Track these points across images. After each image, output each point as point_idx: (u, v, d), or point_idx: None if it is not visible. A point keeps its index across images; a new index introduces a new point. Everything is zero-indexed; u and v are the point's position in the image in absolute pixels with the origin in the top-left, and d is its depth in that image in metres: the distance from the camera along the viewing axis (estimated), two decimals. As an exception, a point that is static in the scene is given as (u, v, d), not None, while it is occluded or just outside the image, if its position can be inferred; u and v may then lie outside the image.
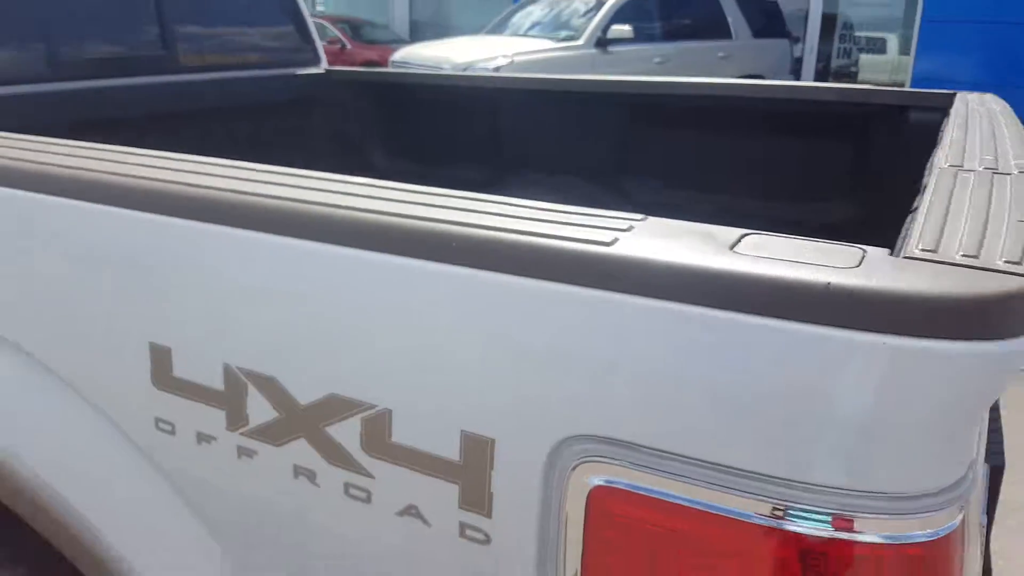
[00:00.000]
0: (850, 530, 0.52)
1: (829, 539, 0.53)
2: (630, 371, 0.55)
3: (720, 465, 0.54)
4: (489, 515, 0.63)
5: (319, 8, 17.79)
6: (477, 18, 14.87)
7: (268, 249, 0.69)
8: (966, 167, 0.83)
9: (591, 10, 7.75)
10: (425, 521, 0.66)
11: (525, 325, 0.58)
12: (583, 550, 0.60)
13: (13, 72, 1.89)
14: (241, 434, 0.75)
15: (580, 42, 7.46)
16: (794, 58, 11.07)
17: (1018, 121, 1.30)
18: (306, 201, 0.69)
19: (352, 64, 10.62)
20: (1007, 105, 1.55)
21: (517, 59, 6.88)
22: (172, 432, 0.80)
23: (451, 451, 0.63)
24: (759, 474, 0.53)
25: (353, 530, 0.71)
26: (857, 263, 0.52)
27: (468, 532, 0.64)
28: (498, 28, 8.57)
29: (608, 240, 0.57)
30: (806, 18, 12.79)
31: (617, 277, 0.55)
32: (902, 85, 12.12)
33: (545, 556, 0.62)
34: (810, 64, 12.84)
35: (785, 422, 0.52)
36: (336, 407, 0.68)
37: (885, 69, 12.55)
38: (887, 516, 0.52)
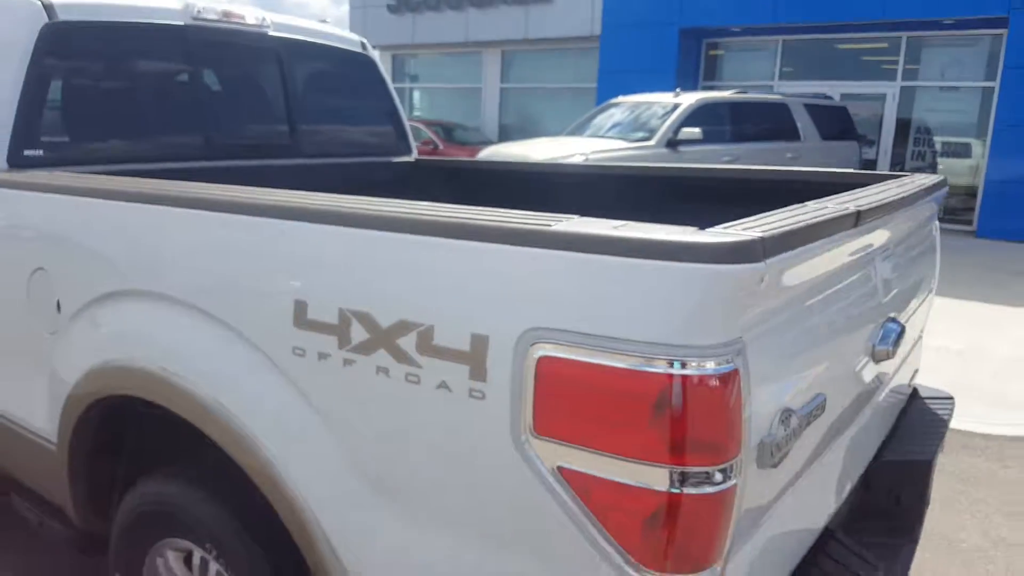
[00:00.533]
0: (685, 367, 0.96)
1: (679, 374, 0.96)
2: (556, 293, 1.02)
3: (610, 337, 0.99)
4: (485, 381, 1.09)
5: (416, 112, 19.28)
6: (562, 122, 15.89)
7: (371, 242, 1.21)
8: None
9: (667, 113, 8.40)
10: (450, 389, 1.13)
11: (504, 277, 1.07)
12: (534, 397, 1.05)
13: (184, 152, 2.55)
14: (346, 351, 1.25)
15: (652, 142, 8.09)
16: (863, 159, 11.36)
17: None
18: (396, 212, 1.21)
19: (443, 162, 11.60)
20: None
21: (592, 156, 7.52)
22: (303, 355, 1.31)
23: (464, 345, 1.11)
24: (634, 341, 0.98)
25: (411, 401, 1.18)
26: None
27: (474, 394, 1.11)
28: (578, 130, 9.33)
29: (548, 224, 1.06)
30: (881, 122, 13.15)
31: (550, 242, 1.03)
32: (975, 186, 12.19)
33: (515, 404, 1.07)
34: (884, 165, 13.08)
35: (652, 310, 0.97)
36: (403, 327, 1.17)
37: (963, 171, 12.64)
38: (702, 358, 0.96)
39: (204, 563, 1.62)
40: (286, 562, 1.44)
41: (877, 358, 1.58)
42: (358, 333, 1.22)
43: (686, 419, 0.97)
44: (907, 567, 1.80)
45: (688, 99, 8.67)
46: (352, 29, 19.17)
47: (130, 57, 2.42)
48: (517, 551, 1.12)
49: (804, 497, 1.37)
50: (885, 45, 12.86)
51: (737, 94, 9.42)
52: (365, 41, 3.26)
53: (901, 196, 1.59)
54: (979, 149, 12.35)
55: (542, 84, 17.09)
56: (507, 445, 1.09)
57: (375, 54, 3.31)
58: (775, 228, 1.04)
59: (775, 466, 1.12)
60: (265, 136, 2.84)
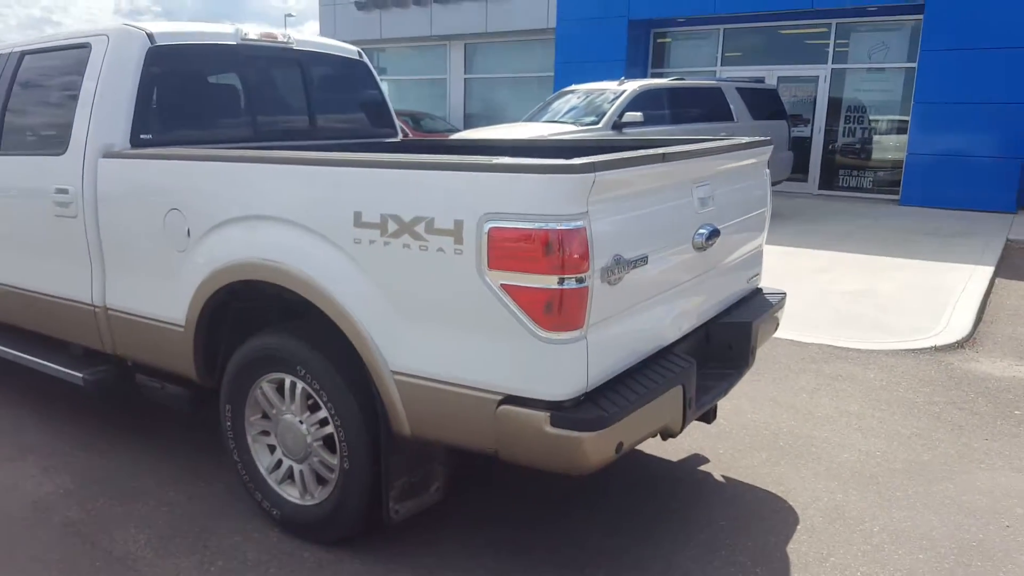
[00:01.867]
0: (559, 224, 2.00)
1: (556, 228, 2.00)
2: (497, 194, 2.06)
3: (523, 214, 2.02)
4: (463, 244, 2.13)
5: (386, 103, 20.06)
6: (523, 109, 16.91)
7: (395, 175, 2.24)
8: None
9: (613, 99, 9.48)
10: (443, 251, 2.16)
11: (468, 189, 2.10)
12: (488, 250, 2.09)
13: (239, 136, 3.54)
14: (385, 237, 2.27)
15: (600, 125, 9.15)
16: (795, 137, 12.54)
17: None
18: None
19: (414, 148, 12.62)
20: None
21: (547, 138, 8.56)
22: (360, 242, 2.32)
23: (451, 226, 2.13)
24: (534, 214, 2.01)
25: (422, 260, 2.21)
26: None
27: (456, 251, 2.14)
28: (536, 116, 10.35)
29: (490, 160, 2.10)
30: (815, 102, 14.38)
31: (491, 169, 2.07)
32: (901, 159, 13.46)
33: (479, 255, 2.10)
34: (818, 142, 14.33)
35: (542, 199, 2.01)
36: (416, 220, 2.20)
37: (890, 146, 13.92)
38: (567, 220, 2.00)
39: (293, 385, 2.64)
40: (348, 368, 2.46)
41: (696, 247, 2.65)
42: (391, 226, 2.25)
43: (561, 251, 2.01)
44: (731, 385, 2.87)
45: (631, 86, 9.74)
46: (322, 25, 20.06)
47: (203, 68, 3.41)
48: (479, 331, 2.15)
49: (642, 320, 2.41)
50: (817, 31, 14.07)
51: (675, 80, 10.52)
52: (360, 50, 4.26)
53: (707, 148, 2.66)
54: (904, 125, 13.62)
55: (503, 74, 18.07)
56: (475, 277, 2.12)
57: (367, 59, 4.31)
58: (603, 160, 2.08)
59: (612, 284, 2.17)
60: (293, 124, 3.85)
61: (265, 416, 2.80)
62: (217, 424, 2.93)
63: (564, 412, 2.09)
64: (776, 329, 3.37)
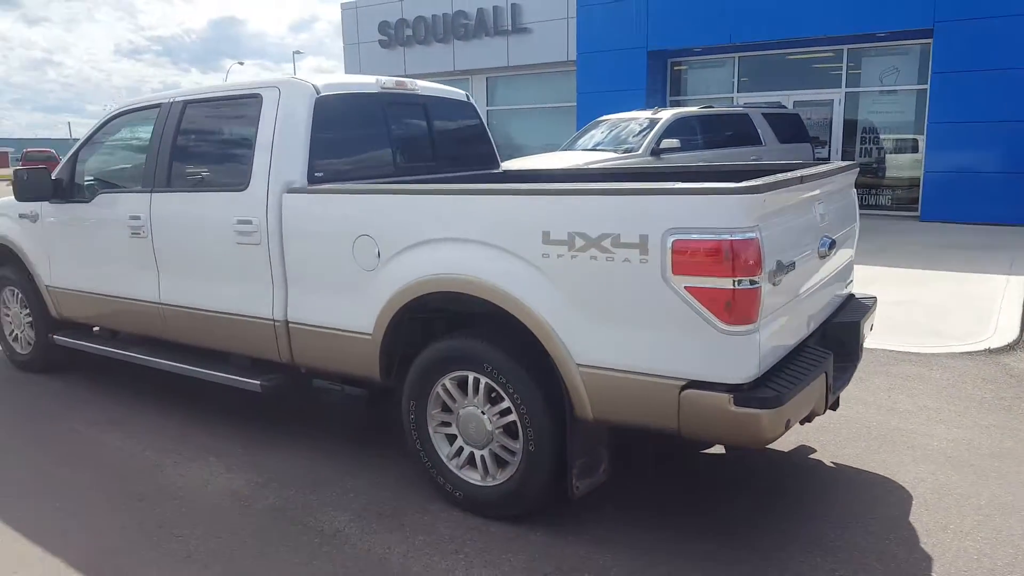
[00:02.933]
0: (733, 235, 2.45)
1: (732, 239, 2.45)
2: (679, 212, 2.52)
3: (704, 228, 2.48)
4: (647, 254, 2.58)
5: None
6: (545, 138, 17.60)
7: (584, 200, 2.70)
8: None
9: (649, 127, 10.01)
10: (629, 261, 2.61)
11: (654, 208, 2.56)
12: (672, 258, 2.54)
13: (384, 171, 4.02)
14: (571, 251, 2.71)
15: (639, 152, 9.68)
16: (816, 158, 13.08)
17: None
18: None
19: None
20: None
21: (593, 165, 9.08)
22: (548, 257, 2.78)
23: (636, 240, 2.59)
24: (713, 228, 2.47)
25: (608, 269, 2.66)
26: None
27: (642, 260, 2.58)
28: (572, 145, 10.90)
29: (674, 184, 2.57)
30: (830, 125, 14.95)
31: (675, 192, 2.53)
32: (918, 177, 13.98)
33: (664, 262, 2.55)
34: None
35: (720, 215, 2.47)
36: (603, 236, 2.65)
37: (906, 164, 14.45)
38: (742, 232, 2.46)
39: (477, 381, 3.08)
40: (533, 364, 2.90)
41: (820, 255, 3.10)
42: (578, 242, 2.70)
43: (739, 257, 2.46)
44: (850, 377, 3.30)
45: (665, 115, 10.30)
46: (346, 65, 20.71)
47: (356, 114, 3.91)
48: (663, 326, 2.59)
49: (791, 317, 2.86)
50: (829, 55, 14.68)
51: (705, 108, 11.08)
52: (468, 94, 4.76)
53: (824, 171, 3.13)
54: (918, 144, 14.17)
55: (525, 105, 18.69)
56: (659, 281, 2.56)
57: (473, 101, 4.81)
58: (767, 182, 2.54)
59: (775, 285, 2.61)
60: (423, 158, 4.33)
61: (444, 409, 3.23)
62: (363, 419, 3.36)
63: (744, 393, 2.53)
64: (872, 329, 3.81)
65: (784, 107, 12.98)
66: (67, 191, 4.63)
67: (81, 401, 4.69)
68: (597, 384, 2.77)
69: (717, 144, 10.55)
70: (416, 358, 3.26)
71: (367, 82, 4.02)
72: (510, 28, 17.64)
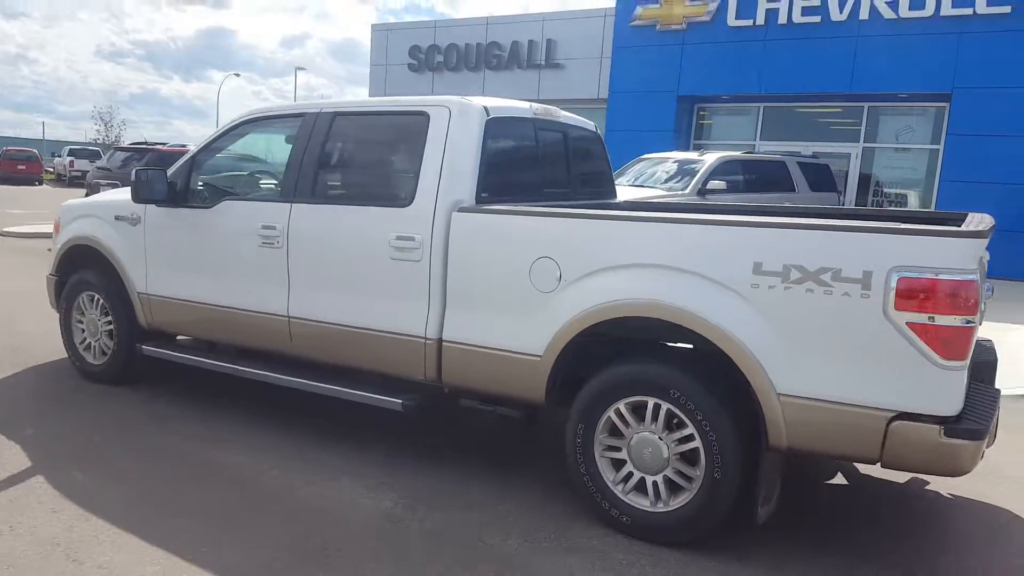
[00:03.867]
0: (960, 275, 2.55)
1: (958, 279, 2.55)
2: (904, 252, 2.61)
3: (927, 267, 2.57)
4: (870, 291, 2.66)
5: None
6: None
7: (809, 234, 2.79)
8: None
9: (695, 168, 10.24)
10: (849, 295, 2.69)
11: (880, 247, 2.65)
12: (895, 295, 2.63)
13: (533, 195, 4.07)
14: (785, 283, 2.78)
15: (687, 191, 9.86)
16: (841, 205, 13.42)
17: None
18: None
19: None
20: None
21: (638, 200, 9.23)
22: (758, 287, 2.84)
23: (859, 275, 2.67)
24: (938, 267, 2.56)
25: (825, 303, 2.73)
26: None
27: (863, 295, 2.67)
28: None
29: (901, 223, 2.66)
30: (847, 177, 15.34)
31: (905, 232, 2.63)
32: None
33: (886, 298, 2.64)
34: (854, 215, 15.22)
35: (944, 255, 2.57)
36: (822, 270, 2.73)
37: (918, 220, 14.83)
38: (966, 275, 2.56)
39: (657, 407, 3.11)
40: (726, 391, 2.95)
41: (985, 299, 3.21)
42: (794, 274, 2.78)
43: (961, 297, 2.56)
44: (995, 404, 3.38)
45: (711, 158, 10.53)
46: (371, 85, 20.86)
47: (514, 137, 3.98)
48: (876, 360, 2.66)
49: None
50: (850, 111, 15.11)
51: (748, 153, 11.34)
52: (595, 125, 4.87)
53: (989, 226, 3.26)
54: (925, 199, 14.59)
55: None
56: (880, 316, 2.64)
57: (599, 132, 4.91)
58: (983, 229, 2.64)
59: (976, 325, 2.71)
60: (562, 183, 4.41)
61: (613, 434, 3.26)
62: (500, 441, 3.38)
63: (952, 425, 2.61)
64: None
65: (816, 157, 13.31)
66: (182, 195, 4.55)
67: (171, 416, 4.53)
68: (797, 413, 2.82)
69: (756, 188, 10.78)
70: (589, 381, 3.29)
71: (523, 107, 4.10)
72: (543, 63, 17.94)
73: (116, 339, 4.95)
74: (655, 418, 3.13)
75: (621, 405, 3.21)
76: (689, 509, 3.08)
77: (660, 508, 3.16)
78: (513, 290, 3.41)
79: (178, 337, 5.00)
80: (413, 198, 3.69)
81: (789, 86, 14.60)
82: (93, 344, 5.11)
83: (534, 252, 3.35)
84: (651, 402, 3.13)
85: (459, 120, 3.70)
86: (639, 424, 3.18)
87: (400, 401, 3.76)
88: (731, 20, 14.93)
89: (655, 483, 3.17)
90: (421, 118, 3.79)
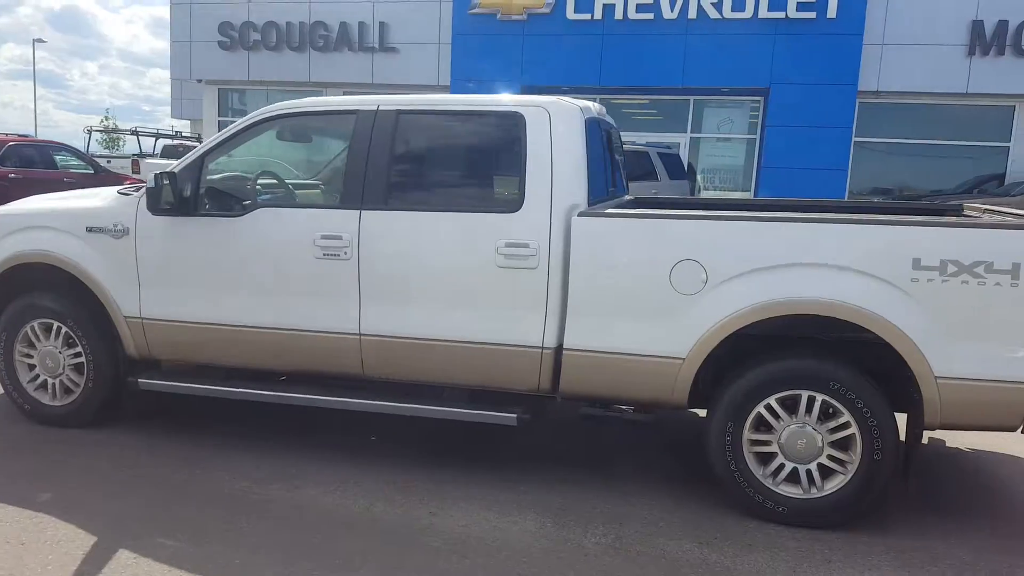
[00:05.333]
0: None
1: None
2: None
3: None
4: (1019, 279, 3.00)
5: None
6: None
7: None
8: None
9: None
10: (1000, 285, 3.01)
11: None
12: (1044, 283, 3.00)
13: (602, 197, 4.03)
14: (942, 276, 3.05)
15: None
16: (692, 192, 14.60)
17: None
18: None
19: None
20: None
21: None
22: (917, 281, 3.08)
23: (1008, 267, 3.00)
24: None
25: (979, 292, 3.03)
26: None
27: (1011, 285, 3.01)
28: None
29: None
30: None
31: (1050, 226, 2.99)
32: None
33: (1035, 287, 3.00)
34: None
35: None
36: (976, 264, 3.03)
37: (735, 202, 16.55)
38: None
39: (811, 400, 3.26)
40: (883, 379, 3.17)
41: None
42: (951, 268, 3.05)
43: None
44: None
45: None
46: (173, 63, 18.97)
47: (599, 136, 3.90)
48: (1028, 343, 3.03)
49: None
50: (678, 104, 16.40)
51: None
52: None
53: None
54: (746, 185, 16.32)
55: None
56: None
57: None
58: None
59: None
60: (611, 181, 4.38)
61: (760, 429, 3.36)
62: (598, 448, 3.42)
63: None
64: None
65: (672, 148, 14.30)
66: (192, 203, 3.87)
67: (204, 458, 3.90)
68: (952, 394, 3.11)
69: (630, 177, 11.33)
70: (738, 379, 3.35)
71: (595, 106, 4.02)
72: (377, 46, 17.31)
73: (92, 373, 4.11)
74: (809, 410, 3.28)
75: (772, 400, 3.31)
76: (846, 491, 3.27)
77: (814, 494, 3.32)
78: (649, 294, 3.37)
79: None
80: (521, 203, 3.49)
81: (626, 79, 15.49)
82: (51, 382, 4.21)
83: (675, 255, 3.32)
84: (805, 395, 3.27)
85: (562, 121, 3.56)
86: (791, 417, 3.31)
87: (514, 415, 3.57)
88: (570, 13, 15.49)
89: (808, 471, 3.32)
90: (514, 119, 3.59)
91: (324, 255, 3.69)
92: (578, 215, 3.44)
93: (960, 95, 14.23)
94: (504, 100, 3.72)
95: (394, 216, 3.66)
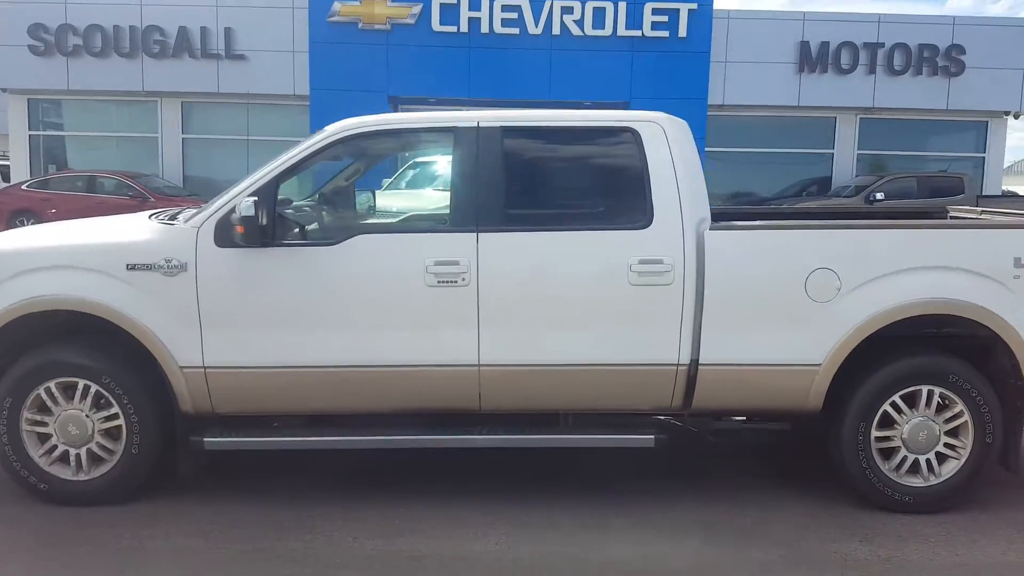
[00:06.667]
0: None
1: None
2: None
3: None
4: None
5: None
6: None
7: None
8: None
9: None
10: None
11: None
12: None
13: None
14: None
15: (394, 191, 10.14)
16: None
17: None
18: None
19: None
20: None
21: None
22: (1019, 278, 3.44)
23: None
24: None
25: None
26: None
27: None
28: (397, 186, 10.73)
29: None
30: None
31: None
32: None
33: None
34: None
35: None
36: None
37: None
38: None
39: (930, 393, 3.52)
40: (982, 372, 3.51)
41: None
42: (1038, 265, 3.44)
43: None
44: None
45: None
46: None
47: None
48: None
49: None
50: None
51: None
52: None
53: None
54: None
55: (238, 136, 17.10)
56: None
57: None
58: None
59: None
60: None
61: (884, 425, 3.56)
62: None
63: None
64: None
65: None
66: (269, 232, 3.37)
67: (276, 515, 3.48)
68: (1048, 377, 3.52)
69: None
70: (868, 380, 3.52)
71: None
72: (223, 53, 16.04)
73: (136, 438, 3.45)
74: (928, 403, 3.54)
75: (896, 397, 3.54)
76: (960, 475, 3.56)
77: (933, 481, 3.58)
78: (785, 304, 3.46)
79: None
80: (651, 219, 3.45)
81: (495, 91, 15.62)
82: (74, 453, 3.49)
83: (810, 264, 3.44)
84: (925, 390, 3.52)
85: (677, 135, 3.58)
86: (912, 411, 3.55)
87: (651, 436, 3.52)
88: (435, 25, 15.40)
89: (928, 460, 3.58)
90: (628, 134, 3.56)
91: (439, 282, 3.39)
92: (710, 229, 3.46)
93: (792, 107, 15.97)
94: (611, 115, 3.66)
95: (514, 237, 3.46)
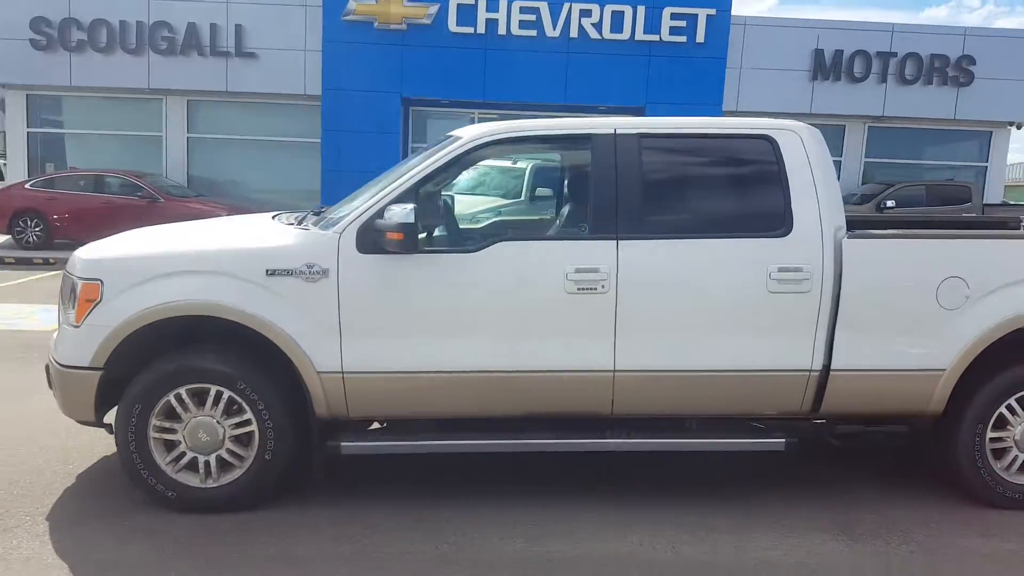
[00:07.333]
0: None
1: None
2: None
3: None
4: None
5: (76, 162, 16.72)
6: (270, 173, 16.43)
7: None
8: None
9: (521, 176, 10.52)
10: None
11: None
12: None
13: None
14: None
15: (523, 199, 10.16)
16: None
17: None
18: None
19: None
20: None
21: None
22: None
23: None
24: None
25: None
26: None
27: None
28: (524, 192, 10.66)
29: None
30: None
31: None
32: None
33: None
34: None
35: None
36: None
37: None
38: None
39: (1034, 393, 3.61)
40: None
41: None
42: None
43: None
44: None
45: (529, 164, 10.94)
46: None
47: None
48: None
49: None
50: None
51: (549, 160, 12.01)
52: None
53: None
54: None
55: (245, 136, 16.94)
56: None
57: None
58: None
59: None
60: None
61: (998, 427, 3.65)
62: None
63: None
64: None
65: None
66: (423, 238, 3.49)
67: (408, 516, 3.50)
68: None
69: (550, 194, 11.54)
70: (985, 385, 3.61)
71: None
72: (233, 51, 15.87)
73: (270, 443, 3.43)
74: (1031, 401, 3.65)
75: (1012, 400, 3.63)
76: (1029, 461, 3.68)
77: (1032, 473, 3.70)
78: (917, 311, 3.54)
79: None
80: (790, 227, 3.50)
81: (509, 94, 15.63)
82: (203, 460, 3.45)
83: (943, 273, 3.52)
84: (1034, 393, 3.63)
85: (814, 144, 3.65)
86: (1024, 412, 3.65)
87: (783, 440, 3.60)
88: (452, 26, 15.31)
89: (1032, 455, 3.69)
90: (764, 142, 3.61)
91: (579, 289, 3.41)
92: (848, 237, 3.51)
93: (805, 115, 16.15)
94: (748, 123, 3.70)
95: (655, 244, 3.49)
